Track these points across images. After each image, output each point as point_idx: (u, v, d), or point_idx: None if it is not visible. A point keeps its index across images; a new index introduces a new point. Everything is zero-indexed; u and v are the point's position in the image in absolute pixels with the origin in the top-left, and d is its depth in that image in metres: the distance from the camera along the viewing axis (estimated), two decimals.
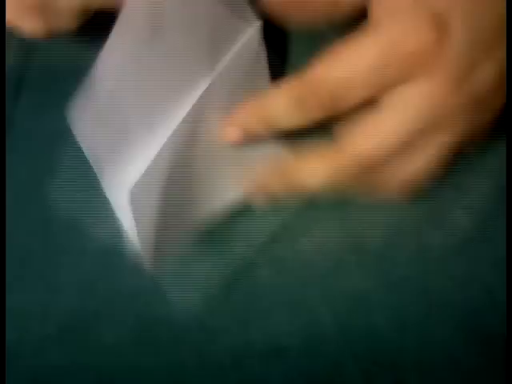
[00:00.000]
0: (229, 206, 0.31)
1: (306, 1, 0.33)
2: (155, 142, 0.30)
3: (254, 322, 0.36)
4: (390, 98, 0.30)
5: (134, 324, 0.36)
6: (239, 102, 0.31)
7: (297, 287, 0.36)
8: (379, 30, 0.29)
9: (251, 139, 0.32)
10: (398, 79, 0.29)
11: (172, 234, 0.30)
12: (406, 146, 0.30)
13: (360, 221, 0.36)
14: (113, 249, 0.36)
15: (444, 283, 0.36)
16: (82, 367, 0.37)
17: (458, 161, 0.35)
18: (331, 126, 0.31)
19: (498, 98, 0.31)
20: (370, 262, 0.36)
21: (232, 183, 0.32)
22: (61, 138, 0.37)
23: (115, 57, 0.30)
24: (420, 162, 0.30)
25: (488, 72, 0.30)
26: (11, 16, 0.32)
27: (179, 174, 0.30)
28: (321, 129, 0.31)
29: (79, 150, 0.37)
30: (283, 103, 0.30)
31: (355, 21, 0.30)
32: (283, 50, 0.35)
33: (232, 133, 0.31)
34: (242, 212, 0.34)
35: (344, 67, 0.29)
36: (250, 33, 0.30)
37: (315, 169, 0.31)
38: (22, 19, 0.32)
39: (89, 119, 0.31)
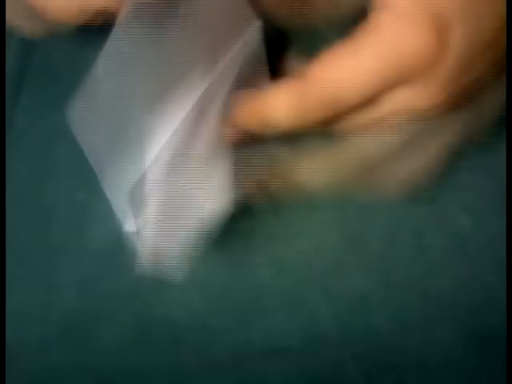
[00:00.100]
0: (229, 206, 0.31)
1: (305, 1, 0.33)
2: (155, 143, 0.30)
3: (253, 322, 0.36)
4: (391, 97, 0.30)
5: (134, 324, 0.36)
6: (239, 102, 0.31)
7: (297, 287, 0.36)
8: (379, 30, 0.29)
9: (251, 139, 0.32)
10: (398, 79, 0.29)
11: (172, 234, 0.30)
12: (404, 145, 0.30)
13: (360, 221, 0.36)
14: (113, 249, 0.36)
15: (444, 283, 0.36)
16: (81, 367, 0.37)
17: (458, 161, 0.35)
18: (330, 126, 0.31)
19: (491, 96, 0.31)
20: (370, 262, 0.36)
21: (231, 183, 0.32)
22: (61, 137, 0.37)
23: (115, 57, 0.30)
24: (419, 162, 0.31)
25: (481, 71, 0.30)
26: (10, 15, 0.32)
27: (179, 174, 0.30)
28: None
29: (79, 149, 0.37)
30: (283, 104, 0.30)
31: (355, 21, 0.30)
32: (283, 50, 0.35)
33: (232, 133, 0.31)
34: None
35: (345, 68, 0.29)
36: (250, 33, 0.30)
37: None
38: (22, 18, 0.32)
39: (89, 119, 0.31)
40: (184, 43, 0.30)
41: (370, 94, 0.30)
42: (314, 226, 0.36)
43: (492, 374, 0.35)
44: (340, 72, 0.29)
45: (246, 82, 0.31)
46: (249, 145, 0.32)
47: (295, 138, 0.33)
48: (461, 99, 0.31)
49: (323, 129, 0.32)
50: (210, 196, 0.30)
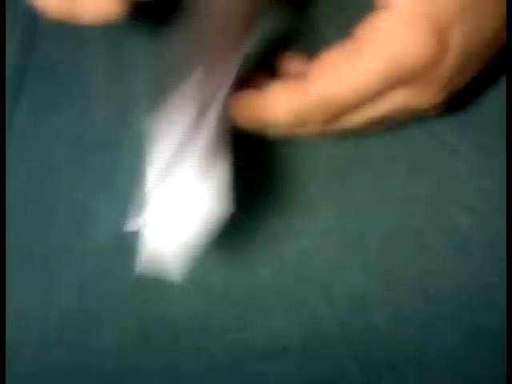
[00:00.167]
0: (229, 207, 0.31)
1: None
2: (155, 143, 0.30)
3: (254, 322, 0.36)
4: (390, 97, 0.30)
5: (133, 324, 0.36)
6: (239, 101, 0.31)
7: (297, 287, 0.36)
8: (380, 30, 0.29)
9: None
10: (398, 79, 0.29)
11: (173, 233, 0.30)
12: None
13: (360, 221, 0.36)
14: (113, 249, 0.36)
15: (444, 283, 0.36)
16: (81, 367, 0.37)
17: (458, 161, 0.36)
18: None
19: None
20: (370, 262, 0.36)
21: (231, 184, 0.31)
22: (61, 137, 0.37)
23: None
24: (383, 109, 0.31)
25: (480, 70, 0.31)
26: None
27: (179, 174, 0.30)
28: None
29: (79, 149, 0.37)
30: (284, 113, 0.30)
31: (355, 20, 0.30)
32: (283, 50, 0.35)
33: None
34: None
35: (344, 69, 0.29)
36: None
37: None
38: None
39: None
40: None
41: (369, 94, 0.30)
42: (314, 225, 0.36)
43: (492, 374, 0.35)
44: (340, 72, 0.29)
45: (244, 81, 0.31)
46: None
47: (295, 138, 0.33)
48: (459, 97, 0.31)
49: (322, 129, 0.32)
50: (210, 196, 0.30)
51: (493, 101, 0.35)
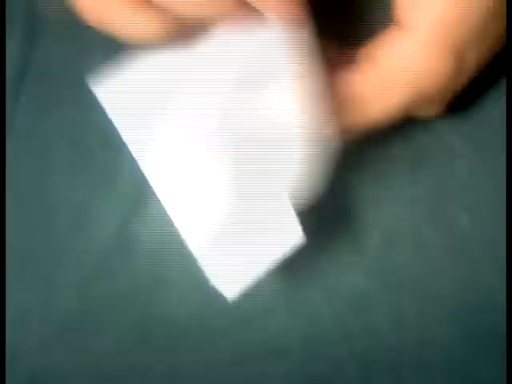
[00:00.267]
0: (297, 243, 0.29)
1: None
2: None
3: (254, 322, 0.36)
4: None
5: (133, 324, 0.36)
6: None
7: (297, 287, 0.36)
8: (402, 68, 0.29)
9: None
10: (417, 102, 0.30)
11: (238, 258, 0.29)
12: None
13: (360, 221, 0.36)
14: (113, 249, 0.36)
15: (444, 283, 0.35)
16: (81, 367, 0.37)
17: (458, 161, 0.35)
18: None
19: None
20: (370, 262, 0.36)
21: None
22: (61, 137, 0.37)
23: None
24: None
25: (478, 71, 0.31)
26: (109, 11, 0.28)
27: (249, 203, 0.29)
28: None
29: (79, 149, 0.37)
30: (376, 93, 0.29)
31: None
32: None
33: None
34: None
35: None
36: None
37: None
38: (132, 14, 0.28)
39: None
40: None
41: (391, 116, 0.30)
42: (314, 226, 0.36)
43: (492, 374, 0.35)
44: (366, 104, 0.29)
45: None
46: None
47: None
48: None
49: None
50: (276, 231, 0.29)
51: (493, 101, 0.35)
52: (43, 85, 0.38)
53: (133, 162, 0.36)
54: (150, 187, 0.35)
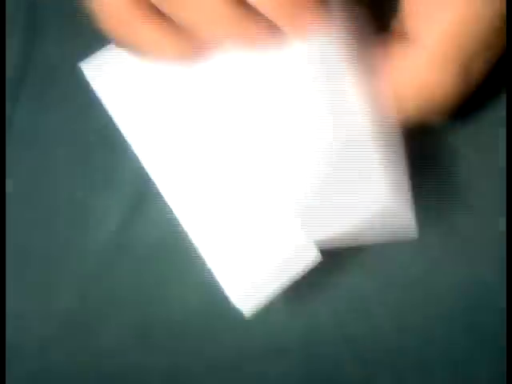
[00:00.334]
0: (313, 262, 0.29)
1: None
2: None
3: (253, 321, 0.36)
4: None
5: (134, 324, 0.36)
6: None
7: (297, 287, 0.36)
8: (408, 83, 0.28)
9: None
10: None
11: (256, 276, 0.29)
12: None
13: None
14: (113, 249, 0.36)
15: (444, 283, 0.35)
16: (82, 367, 0.37)
17: (458, 161, 0.35)
18: None
19: None
20: (370, 262, 0.36)
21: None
22: (61, 137, 0.37)
23: None
24: None
25: None
26: (132, 31, 0.28)
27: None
28: None
29: (79, 149, 0.37)
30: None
31: None
32: None
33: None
34: None
35: None
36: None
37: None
38: (155, 35, 0.28)
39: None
40: None
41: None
42: None
43: (492, 374, 0.35)
44: None
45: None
46: None
47: None
48: None
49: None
50: (301, 243, 0.28)
51: (493, 101, 0.35)
52: (43, 85, 0.38)
53: (133, 161, 0.36)
54: (149, 187, 0.35)
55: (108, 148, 0.36)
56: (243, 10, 0.27)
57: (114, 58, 0.29)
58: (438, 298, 0.35)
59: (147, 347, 0.36)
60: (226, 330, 0.36)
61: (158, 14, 0.27)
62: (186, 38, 0.27)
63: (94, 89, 0.29)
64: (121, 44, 0.28)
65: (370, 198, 0.27)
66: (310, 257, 0.28)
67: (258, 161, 0.28)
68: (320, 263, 0.36)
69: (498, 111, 0.35)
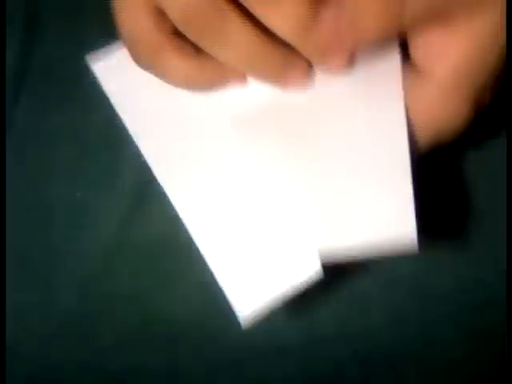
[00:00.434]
0: (316, 275, 0.28)
1: None
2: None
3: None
4: None
5: (134, 324, 0.36)
6: None
7: None
8: (421, 115, 0.29)
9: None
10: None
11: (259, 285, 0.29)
12: None
13: None
14: (113, 249, 0.36)
15: (444, 283, 0.36)
16: (82, 367, 0.37)
17: (458, 161, 0.36)
18: None
19: None
20: (370, 262, 0.36)
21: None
22: (61, 137, 0.37)
23: None
24: None
25: None
26: (159, 57, 0.28)
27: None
28: None
29: (79, 149, 0.37)
30: None
31: None
32: None
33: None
34: None
35: None
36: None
37: None
38: (181, 63, 0.28)
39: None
40: None
41: None
42: None
43: (492, 374, 0.35)
44: None
45: None
46: None
47: None
48: None
49: None
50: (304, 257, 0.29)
51: (493, 101, 0.35)
52: (43, 85, 0.38)
53: (133, 161, 0.36)
54: (149, 187, 0.35)
55: (108, 148, 0.36)
56: (278, 48, 0.27)
57: (125, 58, 0.29)
58: (438, 298, 0.36)
59: (147, 347, 0.36)
60: (226, 330, 0.36)
61: (185, 39, 0.27)
62: (213, 68, 0.28)
63: (104, 88, 0.29)
64: (148, 69, 0.29)
65: (380, 223, 0.28)
66: (312, 271, 0.28)
67: (267, 169, 0.28)
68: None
69: (498, 111, 0.35)
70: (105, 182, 0.36)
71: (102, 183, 0.36)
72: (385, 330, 0.36)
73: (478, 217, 0.35)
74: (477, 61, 0.27)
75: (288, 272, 0.28)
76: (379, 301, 0.36)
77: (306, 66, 0.28)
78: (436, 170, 0.36)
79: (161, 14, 0.27)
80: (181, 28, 0.26)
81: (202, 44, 0.27)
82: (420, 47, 0.28)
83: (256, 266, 0.28)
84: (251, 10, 0.26)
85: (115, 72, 0.30)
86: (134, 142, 0.30)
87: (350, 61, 0.28)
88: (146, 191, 0.35)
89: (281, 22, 0.26)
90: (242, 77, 0.29)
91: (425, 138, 0.29)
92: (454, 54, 0.27)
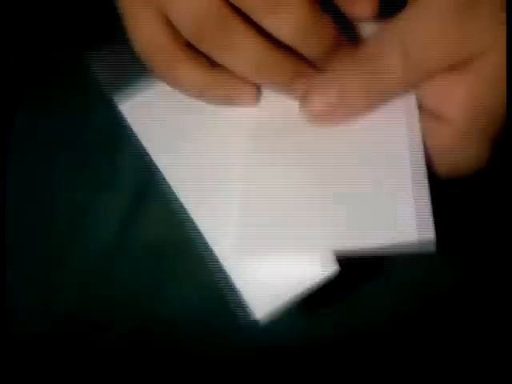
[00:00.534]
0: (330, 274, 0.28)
1: None
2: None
3: (253, 322, 0.36)
4: None
5: (134, 324, 0.36)
6: None
7: None
8: (437, 157, 0.29)
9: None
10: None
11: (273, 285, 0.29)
12: None
13: None
14: (113, 249, 0.36)
15: (444, 283, 0.36)
16: (82, 367, 0.37)
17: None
18: None
19: None
20: (371, 262, 0.36)
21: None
22: (61, 138, 0.37)
23: None
24: None
25: None
26: (174, 68, 0.29)
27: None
28: None
29: (79, 149, 0.37)
30: None
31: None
32: None
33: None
34: None
35: None
36: None
37: None
38: (178, 63, 0.29)
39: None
40: None
41: None
42: None
43: (493, 375, 0.35)
44: None
45: None
46: None
47: None
48: None
49: None
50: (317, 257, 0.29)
51: None
52: (44, 86, 0.38)
53: (133, 162, 0.36)
54: (149, 188, 0.35)
55: (108, 149, 0.36)
56: (287, 55, 0.28)
57: (152, 98, 0.31)
58: (438, 298, 0.36)
59: (147, 347, 0.36)
60: (225, 330, 0.36)
61: (198, 51, 0.28)
62: (226, 79, 0.29)
63: (134, 130, 0.30)
64: (163, 80, 0.29)
65: (399, 225, 0.28)
66: (329, 269, 0.28)
67: (281, 172, 0.29)
68: None
69: None
70: (105, 182, 0.36)
71: (102, 184, 0.36)
72: (385, 330, 0.36)
73: (478, 217, 0.35)
74: (486, 98, 0.27)
75: (304, 272, 0.28)
76: (379, 301, 0.36)
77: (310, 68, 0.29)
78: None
79: (174, 26, 0.27)
80: (191, 41, 0.27)
81: (212, 54, 0.28)
82: (428, 90, 0.28)
83: (272, 266, 0.28)
84: (254, 18, 0.26)
85: (141, 111, 0.31)
86: (133, 143, 0.30)
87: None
88: (145, 191, 0.35)
89: (281, 25, 0.26)
90: (254, 89, 0.30)
91: (441, 173, 0.29)
92: (463, 93, 0.27)
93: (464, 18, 0.26)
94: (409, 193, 0.27)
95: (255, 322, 0.27)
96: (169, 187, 0.29)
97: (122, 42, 0.29)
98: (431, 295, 0.36)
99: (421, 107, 0.28)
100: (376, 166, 0.28)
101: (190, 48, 0.28)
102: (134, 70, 0.35)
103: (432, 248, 0.26)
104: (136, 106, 0.31)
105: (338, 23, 0.28)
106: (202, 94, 0.29)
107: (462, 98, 0.27)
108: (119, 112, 0.30)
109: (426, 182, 0.27)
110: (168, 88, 0.30)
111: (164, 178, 0.29)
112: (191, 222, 0.29)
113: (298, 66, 0.28)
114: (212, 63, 0.28)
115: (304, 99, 0.28)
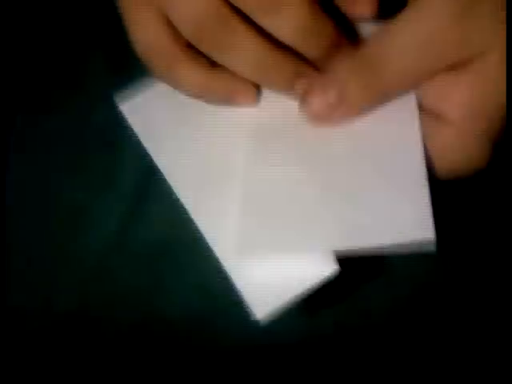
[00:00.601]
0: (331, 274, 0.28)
1: None
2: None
3: (253, 321, 0.36)
4: None
5: (134, 324, 0.36)
6: None
7: None
8: (438, 157, 0.29)
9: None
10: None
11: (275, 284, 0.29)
12: None
13: None
14: (113, 248, 0.36)
15: (444, 283, 0.36)
16: (82, 367, 0.37)
17: None
18: None
19: None
20: (370, 262, 0.36)
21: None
22: (61, 138, 0.37)
23: None
24: None
25: None
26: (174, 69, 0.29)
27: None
28: None
29: (79, 149, 0.37)
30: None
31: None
32: None
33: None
34: None
35: None
36: None
37: None
38: (178, 63, 0.29)
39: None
40: None
41: None
42: None
43: (493, 375, 0.35)
44: None
45: None
46: None
47: None
48: None
49: None
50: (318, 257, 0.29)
51: None
52: (43, 86, 0.38)
53: (133, 162, 0.36)
54: (149, 188, 0.35)
55: (108, 149, 0.36)
56: (287, 56, 0.28)
57: (152, 98, 0.31)
58: (439, 298, 0.36)
59: (147, 346, 0.36)
60: (226, 330, 0.36)
61: (199, 51, 0.28)
62: (227, 79, 0.29)
63: (134, 130, 0.30)
64: (164, 80, 0.29)
65: (400, 225, 0.28)
66: (329, 269, 0.28)
67: (282, 173, 0.29)
68: None
69: None
70: (105, 182, 0.36)
71: (101, 184, 0.36)
72: (385, 329, 0.36)
73: (478, 217, 0.35)
74: (486, 98, 0.27)
75: (304, 272, 0.28)
76: (379, 301, 0.36)
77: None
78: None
79: (174, 27, 0.27)
80: (191, 41, 0.27)
81: (212, 55, 0.28)
82: (428, 90, 0.28)
83: (272, 266, 0.28)
84: (254, 18, 0.27)
85: (142, 111, 0.31)
86: (133, 143, 0.31)
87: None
88: (145, 191, 0.36)
89: (281, 25, 0.27)
90: (254, 89, 0.30)
91: (441, 173, 0.29)
92: (463, 93, 0.27)
93: (464, 18, 0.26)
94: (409, 193, 0.27)
95: (255, 322, 0.27)
96: (169, 187, 0.29)
97: (123, 42, 0.29)
98: (431, 295, 0.36)
99: (421, 107, 0.28)
100: (376, 166, 0.28)
101: (191, 48, 0.28)
102: (134, 70, 0.35)
103: (432, 248, 0.26)
104: (136, 106, 0.31)
105: (338, 23, 0.28)
106: (202, 94, 0.29)
107: (462, 98, 0.27)
108: (119, 112, 0.30)
109: (426, 182, 0.27)
110: (168, 88, 0.30)
111: (164, 178, 0.29)
112: (191, 221, 0.29)
113: (298, 66, 0.28)
114: (212, 63, 0.28)
115: (304, 99, 0.28)
